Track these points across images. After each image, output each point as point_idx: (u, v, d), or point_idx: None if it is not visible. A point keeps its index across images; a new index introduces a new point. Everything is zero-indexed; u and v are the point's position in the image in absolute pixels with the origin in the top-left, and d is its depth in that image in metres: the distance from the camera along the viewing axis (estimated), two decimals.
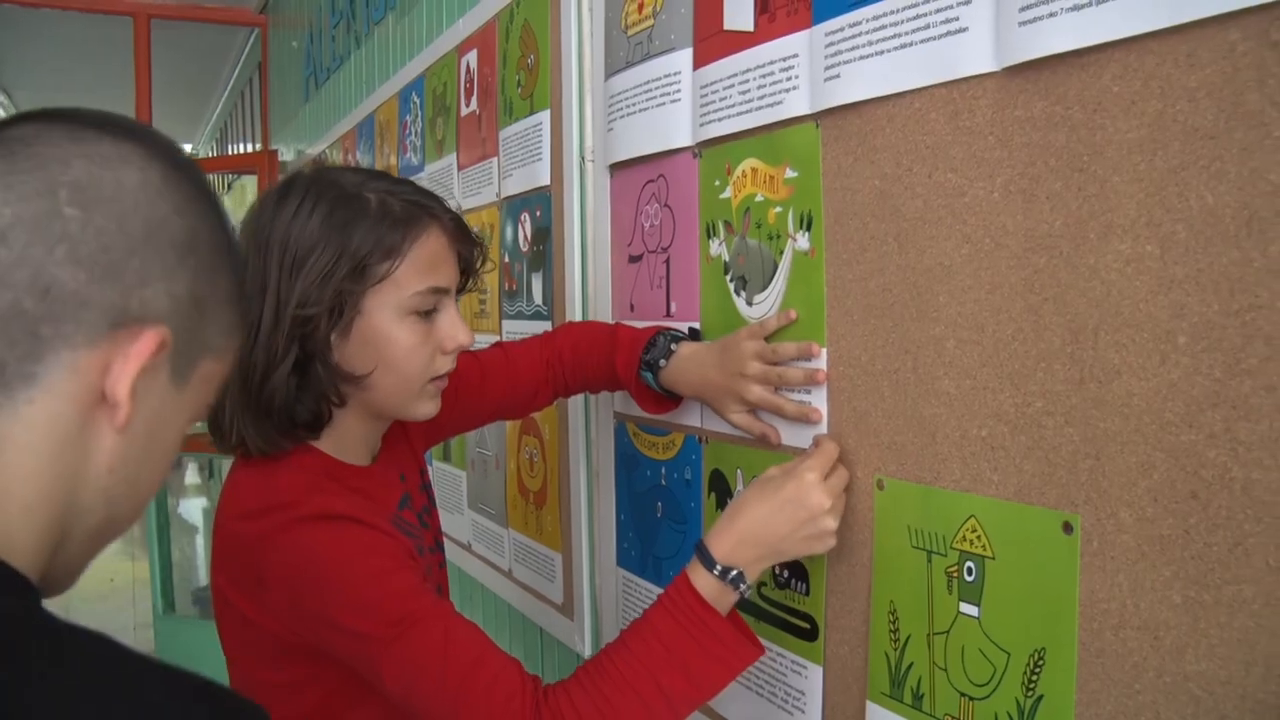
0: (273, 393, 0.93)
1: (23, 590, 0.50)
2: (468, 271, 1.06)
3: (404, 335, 0.96)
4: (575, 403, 1.51)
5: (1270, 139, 0.59)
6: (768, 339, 1.03)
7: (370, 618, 0.88)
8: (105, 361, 0.53)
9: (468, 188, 1.95)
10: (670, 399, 1.18)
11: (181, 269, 0.56)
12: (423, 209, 0.99)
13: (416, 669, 0.88)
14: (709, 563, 0.91)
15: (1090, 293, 0.71)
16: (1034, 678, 0.76)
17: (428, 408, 1.02)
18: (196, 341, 0.58)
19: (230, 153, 7.51)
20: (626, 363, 1.17)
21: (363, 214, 0.94)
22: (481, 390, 1.24)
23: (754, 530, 0.91)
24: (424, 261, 0.96)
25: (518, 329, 1.74)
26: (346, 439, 1.02)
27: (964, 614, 0.82)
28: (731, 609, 0.92)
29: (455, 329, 1.00)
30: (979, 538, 0.81)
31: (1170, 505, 0.66)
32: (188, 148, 11.27)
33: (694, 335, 1.18)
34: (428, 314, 0.98)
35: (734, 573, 0.90)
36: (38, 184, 0.51)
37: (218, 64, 6.78)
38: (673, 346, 1.13)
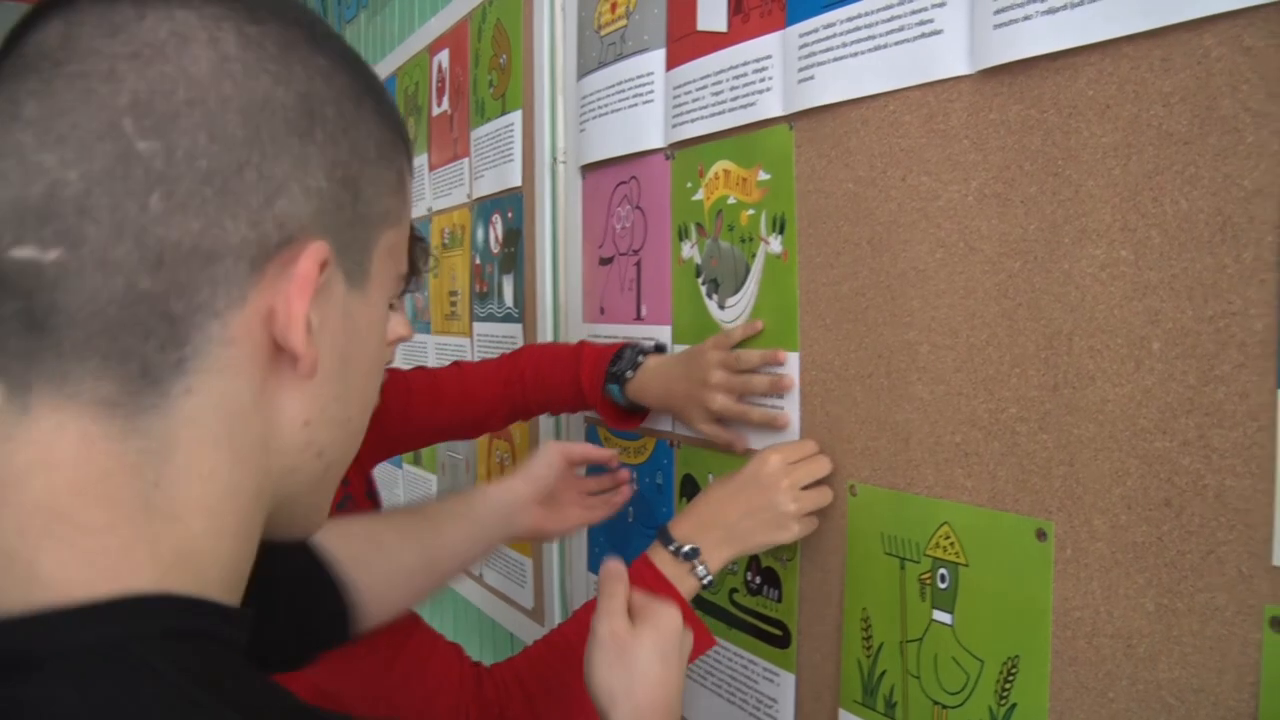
0: None
1: (216, 626, 0.41)
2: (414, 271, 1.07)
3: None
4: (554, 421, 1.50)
5: (1243, 145, 0.59)
6: (735, 347, 1.02)
7: None
8: (265, 310, 0.42)
9: (439, 188, 1.92)
10: (636, 414, 1.18)
11: (311, 151, 0.42)
12: None
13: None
14: (667, 541, 0.90)
15: (1065, 298, 0.70)
16: (1007, 686, 0.76)
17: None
18: (362, 224, 0.46)
19: None
20: (592, 377, 1.16)
21: None
22: (434, 407, 1.24)
23: (712, 510, 0.91)
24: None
25: (489, 331, 1.72)
26: None
27: (937, 621, 0.82)
28: (689, 606, 0.90)
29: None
30: (952, 544, 0.80)
31: (1144, 512, 0.66)
32: None
33: (659, 350, 1.17)
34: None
35: (687, 548, 0.89)
36: (94, 123, 0.38)
37: None
38: (639, 359, 1.12)
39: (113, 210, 0.38)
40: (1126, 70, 0.65)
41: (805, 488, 0.91)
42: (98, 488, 0.39)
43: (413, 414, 1.21)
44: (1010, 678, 0.76)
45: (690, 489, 1.14)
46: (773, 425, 0.98)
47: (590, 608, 0.91)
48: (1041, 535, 0.73)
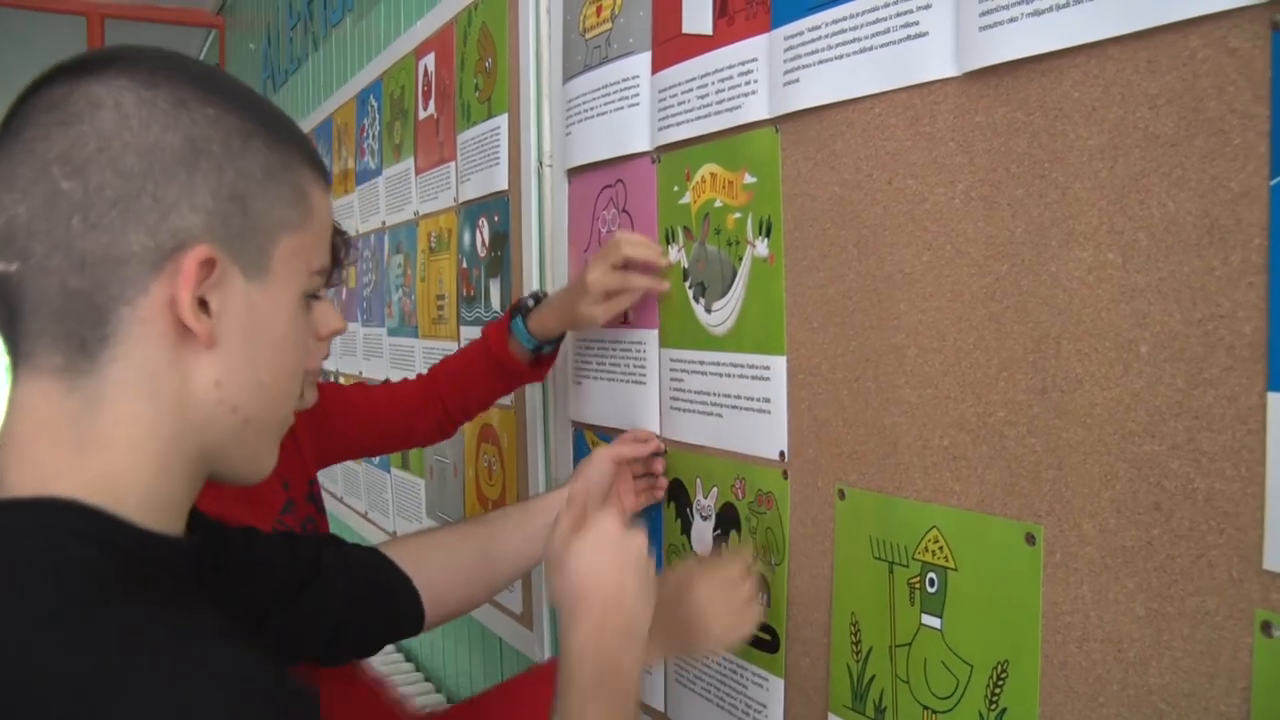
0: None
1: (131, 540, 0.55)
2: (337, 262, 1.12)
3: None
4: (533, 410, 1.49)
5: (1230, 146, 0.59)
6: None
7: None
8: (167, 297, 0.55)
9: (425, 192, 1.91)
10: (543, 358, 1.27)
11: (198, 179, 0.56)
12: None
13: None
14: None
15: (1052, 301, 0.70)
16: (997, 691, 0.75)
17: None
18: (254, 230, 0.58)
19: None
20: (497, 329, 1.27)
21: None
22: (370, 414, 1.34)
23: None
24: None
25: (476, 335, 1.71)
26: None
27: (926, 626, 0.81)
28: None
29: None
30: (941, 548, 0.80)
31: (1133, 516, 0.65)
32: None
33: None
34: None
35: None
36: (31, 171, 0.54)
37: None
38: (538, 297, 1.26)
39: (49, 232, 0.54)
40: (1112, 72, 0.65)
41: None
42: (48, 428, 0.55)
43: (328, 426, 1.28)
44: (1000, 682, 0.75)
45: (678, 493, 1.14)
46: (659, 288, 1.12)
47: (521, 679, 1.02)
48: (1030, 539, 0.72)
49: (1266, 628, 0.58)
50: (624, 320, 1.23)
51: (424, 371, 1.39)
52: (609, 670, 0.76)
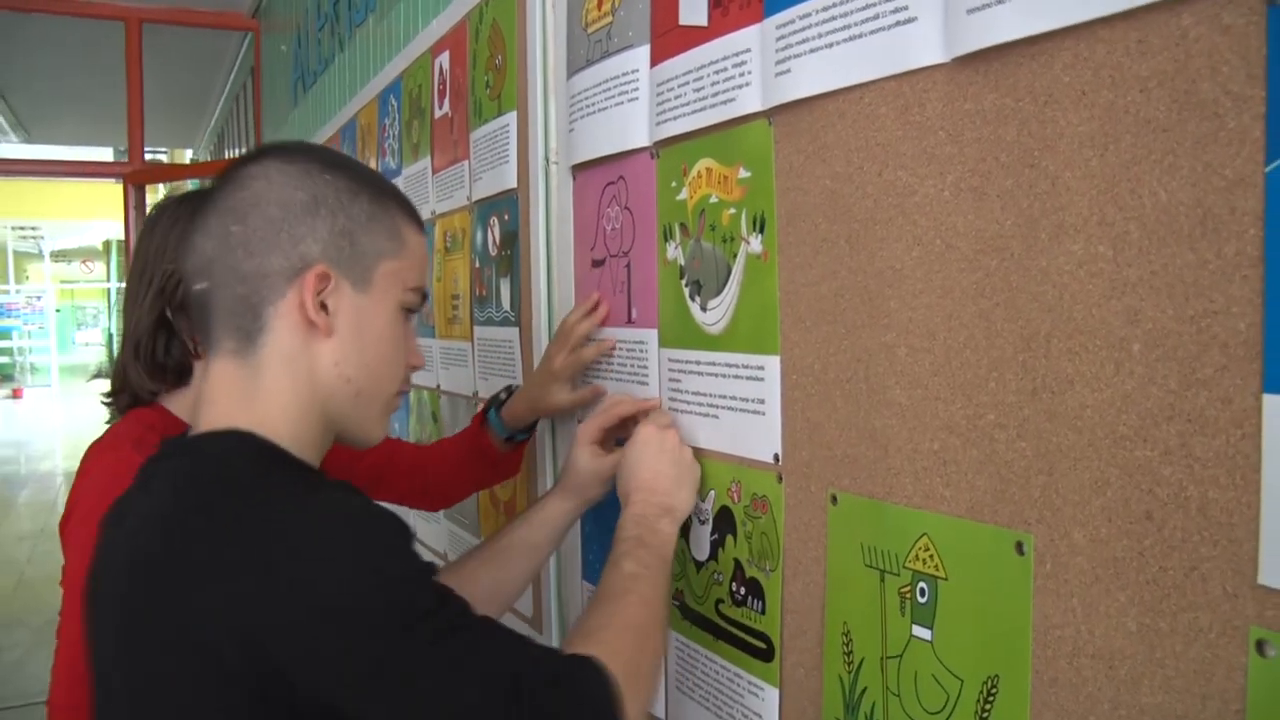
0: (138, 339, 1.23)
1: (273, 450, 0.82)
2: None
3: None
4: (535, 431, 1.47)
5: (1224, 131, 0.55)
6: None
7: None
8: (298, 300, 0.83)
9: (441, 191, 1.90)
10: (516, 446, 1.39)
11: (317, 220, 0.83)
12: None
13: None
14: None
15: (1042, 297, 0.66)
16: (987, 707, 0.72)
17: None
18: (360, 255, 0.85)
19: (228, 157, 7.50)
20: (477, 419, 1.40)
21: None
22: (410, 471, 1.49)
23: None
24: None
25: (488, 335, 1.70)
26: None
27: (916, 637, 0.78)
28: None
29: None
30: (931, 557, 0.76)
31: (1124, 525, 0.62)
32: (187, 154, 11.25)
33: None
34: None
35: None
36: (214, 224, 0.84)
37: (214, 70, 6.76)
38: (509, 390, 1.37)
39: (224, 259, 0.83)
40: (1102, 55, 0.61)
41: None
42: (227, 390, 0.84)
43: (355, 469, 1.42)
44: (990, 698, 0.72)
45: None
46: (603, 353, 1.23)
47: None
48: (1020, 548, 0.69)
49: (1261, 647, 0.54)
50: (627, 320, 1.20)
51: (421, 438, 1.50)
52: (647, 533, 0.98)
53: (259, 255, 0.82)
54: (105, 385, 1.32)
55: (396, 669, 0.70)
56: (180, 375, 1.25)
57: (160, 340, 1.23)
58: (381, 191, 0.88)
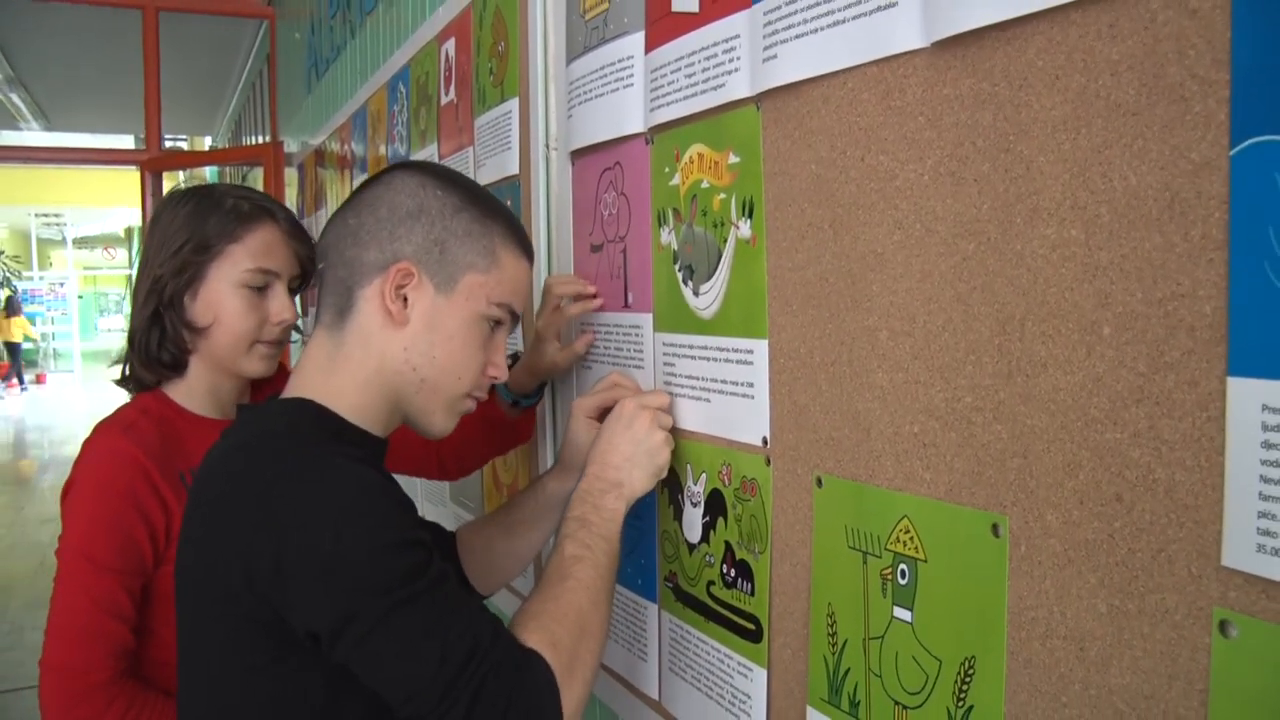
0: (135, 333, 1.28)
1: (340, 426, 0.95)
2: (307, 269, 1.35)
3: (235, 301, 1.27)
4: (544, 399, 1.48)
5: (1191, 114, 0.55)
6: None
7: None
8: (382, 289, 0.94)
9: None
10: (524, 407, 1.40)
11: (416, 226, 0.95)
12: (264, 210, 1.30)
13: None
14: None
15: (1017, 281, 0.67)
16: (964, 687, 0.72)
17: (256, 366, 1.31)
18: (448, 263, 0.95)
19: (244, 145, 7.54)
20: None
21: (217, 208, 1.27)
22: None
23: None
24: (257, 246, 1.28)
25: None
26: (196, 388, 1.32)
27: (897, 619, 0.79)
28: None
29: (281, 307, 1.30)
30: (911, 539, 0.77)
31: (1095, 508, 0.62)
32: (206, 141, 11.31)
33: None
34: (261, 290, 1.28)
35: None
36: (340, 215, 0.99)
37: (231, 57, 6.80)
38: (516, 357, 1.39)
39: (337, 246, 0.97)
40: (1075, 38, 0.61)
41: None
42: (316, 359, 0.97)
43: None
44: (968, 678, 0.72)
45: (670, 480, 1.12)
46: (587, 309, 1.25)
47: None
48: (996, 531, 0.69)
49: (1224, 627, 0.55)
50: (623, 305, 1.21)
51: None
52: (591, 510, 1.00)
53: (362, 246, 0.94)
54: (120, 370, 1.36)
55: (369, 624, 0.80)
56: (175, 368, 1.30)
57: (154, 336, 1.27)
58: (488, 214, 0.98)
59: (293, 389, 0.96)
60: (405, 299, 0.94)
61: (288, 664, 0.85)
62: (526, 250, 1.02)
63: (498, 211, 0.99)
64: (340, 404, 0.94)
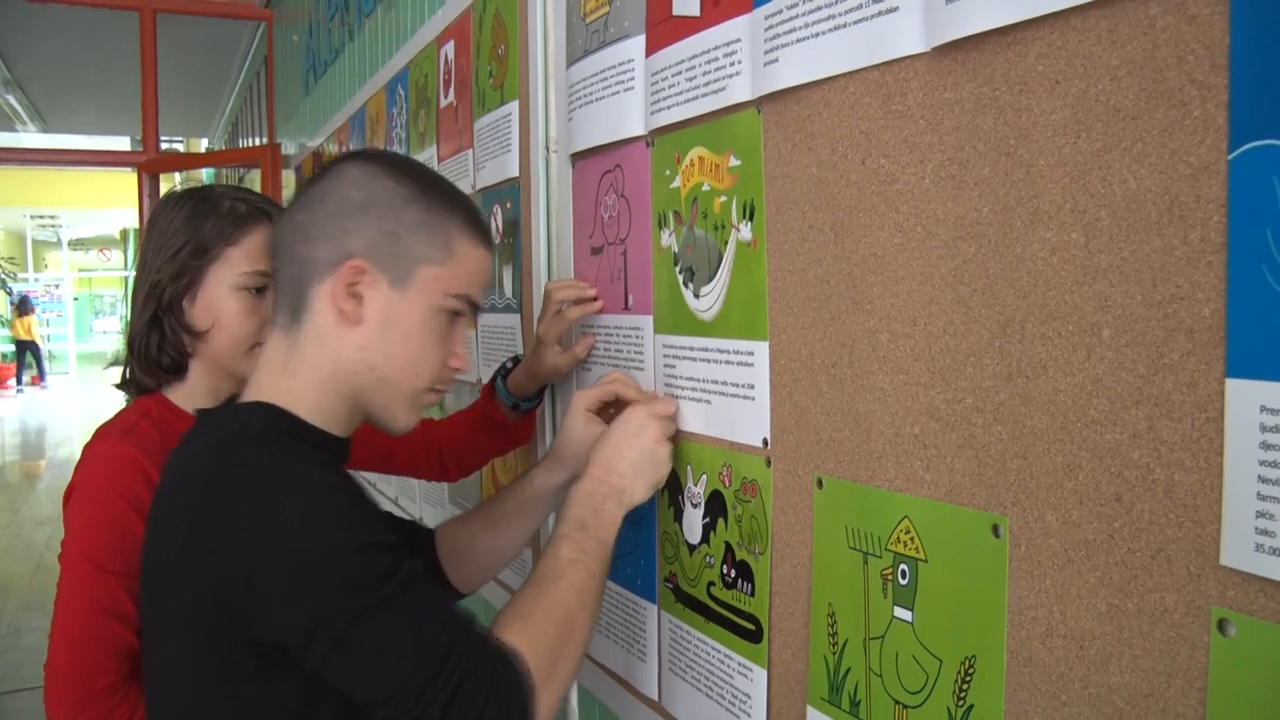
0: (134, 337, 1.27)
1: (300, 428, 0.93)
2: None
3: (234, 304, 1.26)
4: (544, 401, 1.49)
5: (1190, 119, 0.56)
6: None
7: None
8: (335, 287, 0.91)
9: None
10: (524, 410, 1.41)
11: (366, 220, 0.91)
12: (261, 211, 1.29)
13: None
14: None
15: (1018, 283, 0.67)
16: (965, 686, 0.73)
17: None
18: (401, 257, 0.92)
19: (241, 146, 7.54)
20: (487, 388, 1.42)
21: (214, 211, 1.27)
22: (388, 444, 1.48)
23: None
24: (254, 249, 1.27)
25: (491, 322, 1.71)
26: (196, 391, 1.30)
27: (898, 619, 0.79)
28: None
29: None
30: (912, 539, 0.78)
31: (1095, 508, 0.63)
32: (203, 143, 11.31)
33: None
34: (259, 291, 1.27)
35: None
36: (290, 211, 0.96)
37: (228, 59, 6.79)
38: (515, 361, 1.40)
39: (288, 244, 0.94)
40: (1075, 43, 0.62)
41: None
42: (272, 360, 0.95)
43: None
44: (968, 678, 0.73)
45: (670, 481, 1.12)
46: (588, 310, 1.25)
47: None
48: (996, 531, 0.70)
49: (1223, 626, 0.55)
50: (624, 307, 1.22)
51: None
52: (591, 514, 0.99)
53: (312, 243, 0.92)
54: (119, 373, 1.36)
55: (340, 630, 0.79)
56: (175, 371, 1.29)
57: (153, 340, 1.27)
58: (442, 203, 0.94)
59: (251, 392, 0.95)
60: (359, 296, 0.91)
61: (258, 678, 0.84)
62: (485, 239, 0.99)
63: (453, 199, 0.96)
64: (299, 406, 0.92)
